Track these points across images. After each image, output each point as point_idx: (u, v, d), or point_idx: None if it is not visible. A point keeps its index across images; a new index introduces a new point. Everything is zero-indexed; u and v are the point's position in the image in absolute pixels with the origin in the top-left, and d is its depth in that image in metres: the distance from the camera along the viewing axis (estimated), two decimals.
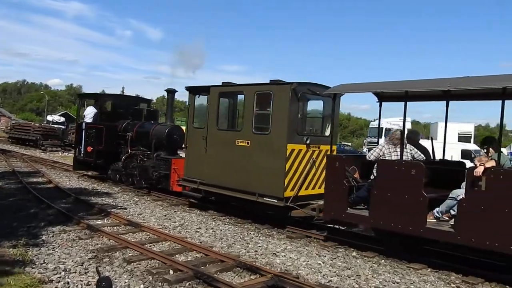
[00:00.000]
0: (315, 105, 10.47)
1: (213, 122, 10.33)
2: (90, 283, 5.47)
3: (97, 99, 16.09)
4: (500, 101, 6.59)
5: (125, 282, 5.62)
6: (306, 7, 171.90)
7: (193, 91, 11.09)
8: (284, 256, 7.21)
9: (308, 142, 9.19)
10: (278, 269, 6.44)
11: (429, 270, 6.80)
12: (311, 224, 9.43)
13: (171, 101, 14.11)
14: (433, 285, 6.10)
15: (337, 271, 6.51)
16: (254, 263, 6.61)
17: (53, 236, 7.56)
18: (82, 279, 5.61)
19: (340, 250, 7.74)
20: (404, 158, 7.48)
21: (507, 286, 6.15)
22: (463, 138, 28.73)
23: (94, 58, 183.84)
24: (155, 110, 16.38)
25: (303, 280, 5.99)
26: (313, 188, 9.39)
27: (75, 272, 5.82)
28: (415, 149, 8.00)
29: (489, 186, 6.08)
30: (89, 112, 15.25)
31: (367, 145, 33.88)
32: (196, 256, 6.94)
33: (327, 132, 9.85)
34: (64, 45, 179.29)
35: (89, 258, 6.45)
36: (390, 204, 7.07)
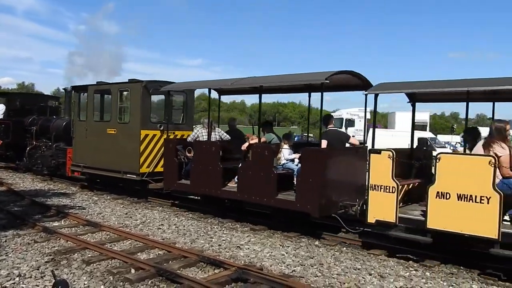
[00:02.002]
0: (176, 98, 12.69)
1: (91, 115, 12.62)
2: (46, 287, 5.26)
3: (8, 97, 18.57)
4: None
5: (84, 284, 5.44)
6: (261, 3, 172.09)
7: (77, 89, 13.40)
8: (248, 248, 7.22)
9: (162, 128, 11.13)
10: (242, 262, 6.45)
11: (388, 255, 7.00)
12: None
13: (69, 99, 15.38)
14: (392, 269, 6.28)
15: (300, 261, 6.58)
16: (217, 257, 6.58)
17: (6, 241, 7.21)
18: (38, 283, 5.39)
19: (303, 240, 7.84)
20: (213, 139, 9.76)
21: (461, 267, 6.43)
22: (419, 127, 29.82)
23: (48, 54, 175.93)
24: (57, 106, 18.59)
25: (267, 271, 6.02)
26: None
27: (31, 277, 5.58)
28: (222, 131, 10.46)
29: (252, 157, 8.63)
30: (0, 109, 17.38)
31: None
32: (159, 253, 6.83)
33: (184, 121, 12.38)
34: (16, 42, 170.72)
35: (46, 262, 6.20)
36: (201, 174, 9.37)
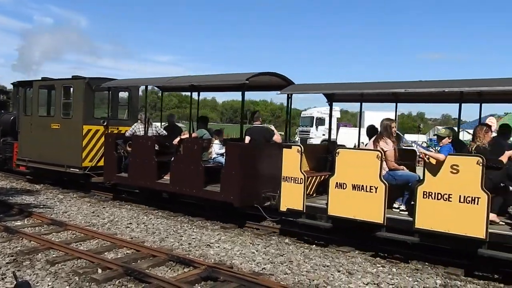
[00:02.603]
0: (120, 95, 13.13)
1: (35, 110, 12.80)
2: None
3: None
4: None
5: (48, 285, 5.28)
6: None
7: (22, 84, 13.66)
8: (218, 246, 7.18)
9: (105, 124, 11.31)
10: (212, 260, 6.41)
11: (356, 252, 7.12)
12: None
13: (16, 94, 15.19)
14: (360, 266, 6.39)
15: (270, 259, 6.61)
16: (187, 255, 6.52)
17: None
18: None
19: (273, 238, 7.87)
20: (150, 134, 10.21)
21: (426, 263, 6.61)
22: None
23: (13, 47, 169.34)
24: (6, 100, 18.06)
25: (237, 269, 6.01)
26: None
27: None
28: (159, 127, 11.05)
29: (183, 151, 9.22)
30: None
31: (299, 133, 34.79)
32: (127, 253, 6.70)
33: (129, 117, 12.70)
34: None
35: (7, 263, 5.97)
36: (138, 167, 9.89)
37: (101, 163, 11.15)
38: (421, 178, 6.44)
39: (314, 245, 7.42)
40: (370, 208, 6.68)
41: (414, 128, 59.93)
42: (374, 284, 5.68)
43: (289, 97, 8.25)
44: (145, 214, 9.53)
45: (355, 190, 6.83)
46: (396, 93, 8.00)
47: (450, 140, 6.56)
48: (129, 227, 8.37)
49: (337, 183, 7.01)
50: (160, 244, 7.24)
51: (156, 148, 9.88)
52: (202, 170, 8.80)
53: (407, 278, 5.93)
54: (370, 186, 6.68)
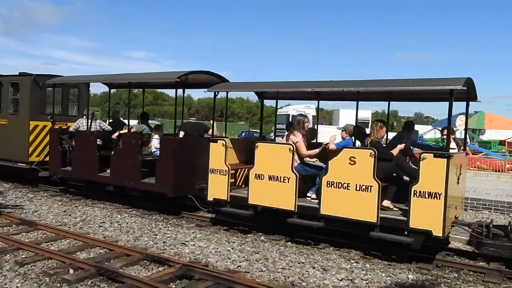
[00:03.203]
0: (68, 92, 13.40)
1: None
2: None
3: None
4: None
5: (17, 287, 5.13)
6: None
7: None
8: (194, 245, 7.14)
9: (52, 120, 11.47)
10: (187, 259, 6.37)
11: (331, 249, 7.20)
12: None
13: None
14: (335, 262, 6.47)
15: (246, 256, 6.61)
16: (162, 254, 6.46)
17: None
18: None
19: (249, 235, 7.88)
20: (93, 129, 10.60)
21: (392, 259, 6.75)
22: (361, 124, 30.91)
23: None
24: None
25: (212, 267, 5.98)
26: None
27: None
28: (102, 122, 11.31)
29: (122, 145, 9.75)
30: None
31: (276, 131, 34.86)
32: (100, 252, 6.57)
33: (78, 113, 12.84)
34: None
35: None
36: (81, 161, 10.38)
37: (48, 158, 11.52)
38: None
39: (289, 243, 7.46)
40: (283, 196, 7.33)
41: (388, 126, 61.15)
42: (348, 280, 5.75)
43: (215, 95, 8.68)
44: (119, 212, 9.38)
45: (271, 180, 7.47)
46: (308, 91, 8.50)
47: (347, 135, 7.88)
48: (102, 226, 8.22)
49: (256, 174, 7.63)
50: (134, 243, 7.14)
51: (99, 142, 10.35)
52: (140, 163, 9.34)
53: (380, 273, 6.04)
54: (284, 177, 7.33)
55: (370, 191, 6.52)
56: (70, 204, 10.06)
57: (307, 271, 6.01)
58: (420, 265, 6.42)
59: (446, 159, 6.05)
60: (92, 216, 8.97)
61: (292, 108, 34.21)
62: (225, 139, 8.28)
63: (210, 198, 8.24)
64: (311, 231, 7.32)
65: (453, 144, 8.05)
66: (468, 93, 7.18)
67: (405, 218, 6.37)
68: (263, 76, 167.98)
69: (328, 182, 6.92)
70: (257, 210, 7.76)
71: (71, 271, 5.62)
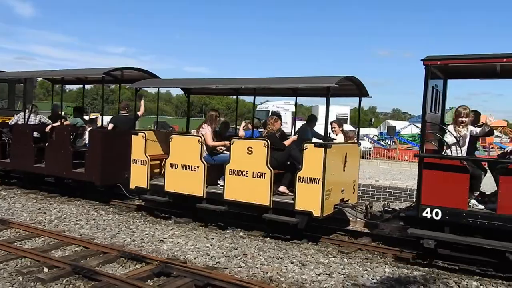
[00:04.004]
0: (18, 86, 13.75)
1: None
2: None
3: None
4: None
5: None
6: None
7: None
8: (172, 242, 7.08)
9: None
10: (165, 256, 6.31)
11: (309, 244, 7.26)
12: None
13: None
14: (313, 257, 6.52)
15: (224, 252, 6.59)
16: (139, 251, 6.38)
17: None
18: None
19: (228, 231, 7.86)
20: (32, 122, 10.87)
21: (376, 252, 6.85)
22: (340, 120, 31.18)
23: None
24: None
25: (190, 264, 5.95)
26: None
27: None
28: (43, 116, 11.45)
29: (55, 137, 10.29)
30: None
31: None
32: (75, 250, 6.45)
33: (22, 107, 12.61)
34: None
35: None
36: (18, 153, 10.90)
37: None
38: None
39: (268, 238, 7.48)
40: (194, 184, 7.99)
41: (366, 122, 61.85)
42: (326, 274, 5.80)
43: (137, 91, 9.58)
44: (96, 210, 9.23)
45: (183, 169, 8.12)
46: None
47: (250, 127, 9.17)
48: (78, 223, 8.07)
49: (171, 163, 8.26)
50: (111, 241, 7.04)
51: (37, 135, 10.78)
52: (70, 153, 9.90)
53: (357, 267, 6.12)
54: (194, 166, 8.01)
55: (264, 178, 7.28)
56: (45, 202, 9.84)
57: (285, 267, 6.04)
58: (397, 256, 6.54)
59: (324, 149, 6.85)
60: (68, 213, 8.79)
61: (272, 104, 34.23)
62: (145, 131, 8.89)
63: (132, 186, 8.85)
64: (288, 226, 7.37)
65: (341, 136, 8.77)
66: (359, 90, 8.28)
67: (292, 201, 7.14)
68: (244, 71, 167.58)
69: (230, 170, 7.64)
70: (172, 196, 8.40)
71: (45, 269, 5.50)
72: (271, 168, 7.24)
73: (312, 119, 10.13)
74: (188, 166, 8.06)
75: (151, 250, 6.60)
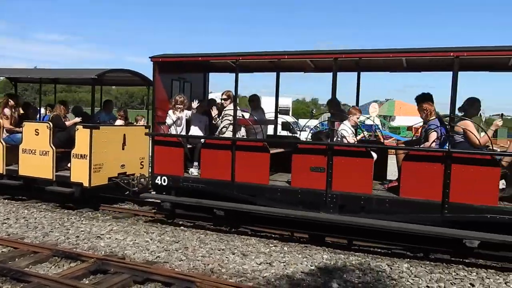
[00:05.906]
0: None
1: None
2: None
3: None
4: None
5: None
6: None
7: None
8: (110, 238, 6.84)
9: None
10: (102, 252, 6.10)
11: (251, 234, 7.31)
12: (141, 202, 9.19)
13: None
14: (254, 247, 6.58)
15: (165, 246, 6.48)
16: (74, 249, 6.12)
17: None
18: None
19: (169, 225, 7.73)
20: None
21: (312, 246, 7.05)
22: (282, 111, 31.54)
23: None
24: None
25: (129, 260, 5.79)
26: None
27: None
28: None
29: None
30: None
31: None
32: (3, 251, 6.05)
33: None
34: None
35: None
36: None
37: None
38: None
39: (209, 231, 7.45)
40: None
41: (307, 113, 63.14)
42: (267, 263, 5.89)
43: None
44: (26, 207, 8.71)
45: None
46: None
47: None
48: (6, 223, 7.57)
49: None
50: (43, 240, 6.68)
51: None
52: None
53: (297, 255, 6.26)
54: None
55: (48, 155, 8.58)
56: None
57: (227, 258, 6.05)
58: (334, 245, 6.78)
59: (90, 130, 8.20)
60: None
61: (215, 95, 33.93)
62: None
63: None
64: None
65: (120, 121, 10.03)
66: (143, 80, 9.60)
67: (69, 175, 8.39)
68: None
69: (23, 149, 8.85)
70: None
71: None
72: (53, 147, 8.52)
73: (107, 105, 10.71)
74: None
75: (87, 248, 6.35)
